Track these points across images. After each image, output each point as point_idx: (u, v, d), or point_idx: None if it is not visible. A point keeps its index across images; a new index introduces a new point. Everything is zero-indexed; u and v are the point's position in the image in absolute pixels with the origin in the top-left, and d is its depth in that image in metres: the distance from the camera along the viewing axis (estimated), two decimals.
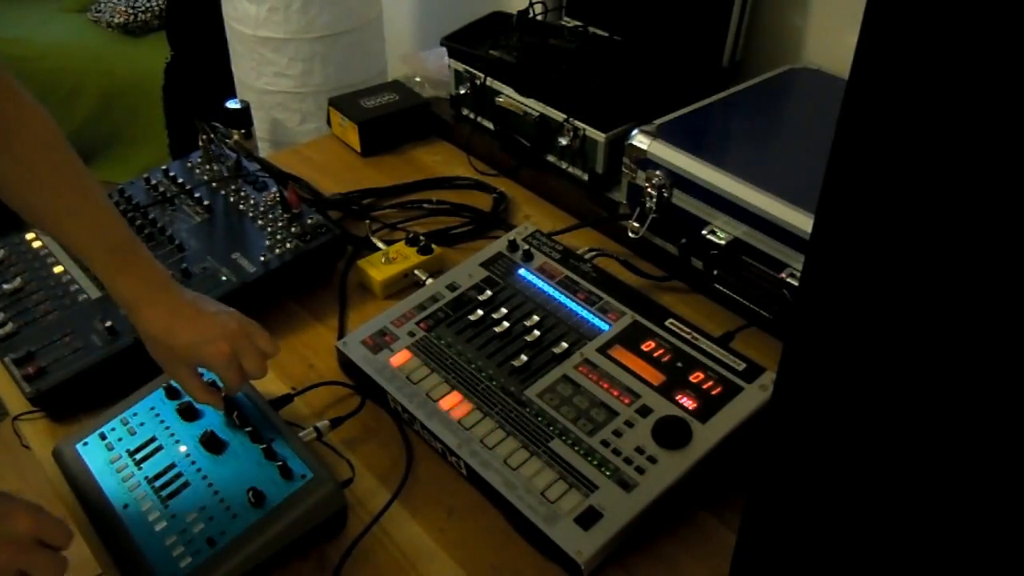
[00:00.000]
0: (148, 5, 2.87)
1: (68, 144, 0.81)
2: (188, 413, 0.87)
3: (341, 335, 1.06)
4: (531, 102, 1.32)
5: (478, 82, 1.39)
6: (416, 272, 1.10)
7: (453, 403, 0.89)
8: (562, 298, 1.00)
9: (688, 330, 0.94)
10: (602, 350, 0.93)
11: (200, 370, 0.85)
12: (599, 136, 1.23)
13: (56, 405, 0.95)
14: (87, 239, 0.81)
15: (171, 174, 1.22)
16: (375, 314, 1.02)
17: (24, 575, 0.64)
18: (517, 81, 1.34)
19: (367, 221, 1.25)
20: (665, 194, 1.10)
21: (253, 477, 0.80)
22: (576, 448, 0.84)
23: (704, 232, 1.06)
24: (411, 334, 0.98)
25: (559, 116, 1.28)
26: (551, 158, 1.33)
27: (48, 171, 0.80)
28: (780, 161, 1.10)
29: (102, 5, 2.93)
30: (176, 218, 1.15)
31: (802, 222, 0.95)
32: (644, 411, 0.86)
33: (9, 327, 1.00)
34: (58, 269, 1.07)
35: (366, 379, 0.95)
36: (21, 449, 0.99)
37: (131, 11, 2.86)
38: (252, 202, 1.16)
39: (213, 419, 0.87)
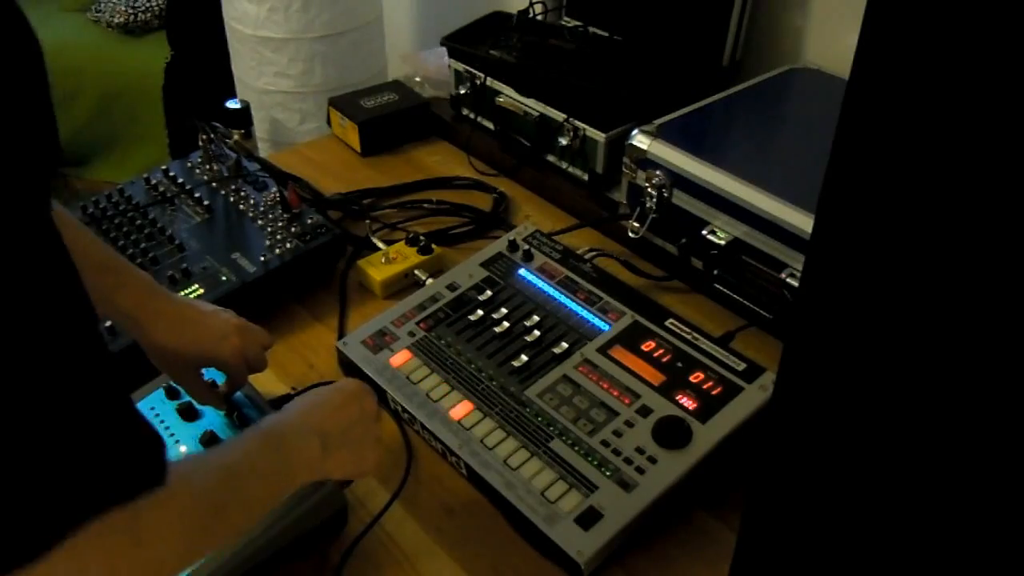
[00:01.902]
0: (148, 5, 2.87)
1: None
2: (188, 413, 0.87)
3: (341, 335, 1.05)
4: (531, 102, 1.32)
5: (478, 82, 1.39)
6: (416, 272, 1.10)
7: (455, 404, 0.89)
8: (562, 298, 1.00)
9: (688, 330, 0.94)
10: (602, 350, 0.93)
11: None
12: (599, 136, 1.23)
13: None
14: (76, 262, 0.78)
15: (171, 174, 1.22)
16: (375, 314, 1.02)
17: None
18: (517, 81, 1.34)
19: (367, 221, 1.25)
20: (665, 194, 1.10)
21: None
22: (576, 448, 0.84)
23: (704, 232, 1.06)
24: (411, 334, 0.98)
25: (559, 116, 1.28)
26: (551, 158, 1.33)
27: None
28: (780, 161, 1.10)
29: (102, 5, 2.92)
30: (176, 218, 1.14)
31: (802, 222, 0.95)
32: (644, 411, 0.86)
33: None
34: None
35: (366, 379, 0.95)
36: None
37: (131, 11, 2.86)
38: (252, 202, 1.16)
39: (213, 419, 0.87)
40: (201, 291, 1.02)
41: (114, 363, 0.48)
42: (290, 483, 0.69)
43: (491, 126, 1.41)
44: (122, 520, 0.48)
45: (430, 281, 1.06)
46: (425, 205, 1.29)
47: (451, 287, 1.04)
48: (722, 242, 1.05)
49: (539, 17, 1.45)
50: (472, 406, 0.89)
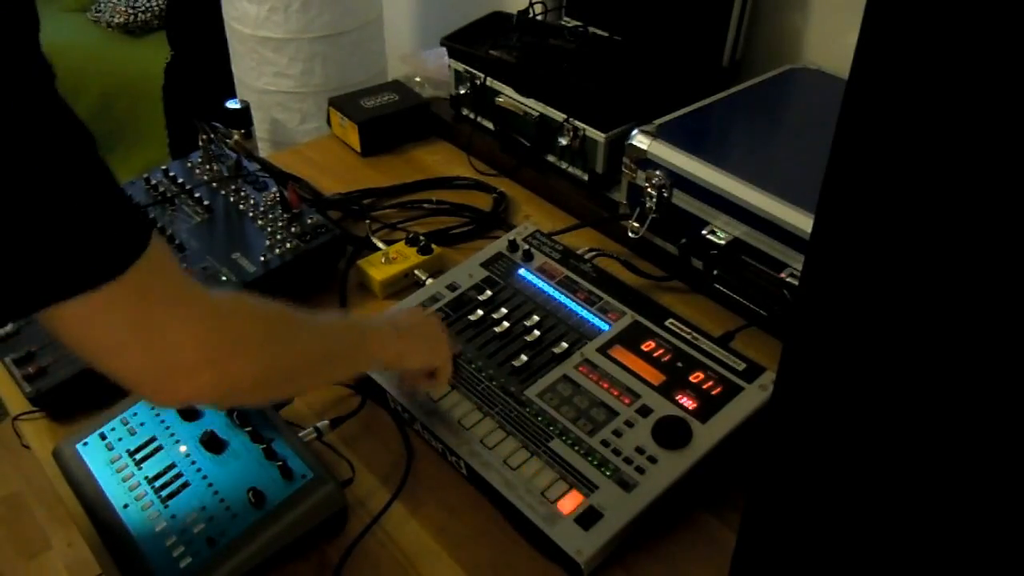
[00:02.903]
0: (148, 5, 2.87)
1: None
2: (188, 413, 0.87)
3: None
4: (531, 102, 1.32)
5: (478, 82, 1.39)
6: (416, 272, 1.10)
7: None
8: (562, 298, 1.00)
9: (688, 330, 0.94)
10: (602, 350, 0.93)
11: None
12: (599, 136, 1.23)
13: (56, 405, 0.95)
14: None
15: (171, 174, 1.22)
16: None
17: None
18: (517, 81, 1.34)
19: (367, 221, 1.25)
20: (665, 194, 1.10)
21: (253, 477, 0.80)
22: (576, 448, 0.84)
23: (704, 232, 1.06)
24: None
25: (559, 116, 1.28)
26: (551, 158, 1.33)
27: None
28: (780, 161, 1.10)
29: (102, 5, 2.92)
30: (176, 218, 1.15)
31: (802, 222, 0.95)
32: (644, 411, 0.86)
33: (9, 327, 1.00)
34: None
35: (366, 379, 0.95)
36: (21, 449, 0.99)
37: (131, 11, 2.86)
38: (252, 202, 1.16)
39: (213, 419, 0.87)
40: None
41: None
42: (364, 349, 0.80)
43: (491, 126, 1.41)
44: (190, 287, 0.61)
45: (430, 281, 1.06)
46: (425, 205, 1.29)
47: (451, 287, 1.04)
48: (722, 242, 1.05)
49: (539, 17, 1.45)
50: (472, 406, 0.89)
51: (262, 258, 1.06)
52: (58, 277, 0.54)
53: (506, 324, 0.97)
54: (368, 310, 1.09)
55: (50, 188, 0.52)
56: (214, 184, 1.20)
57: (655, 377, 0.90)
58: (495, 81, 1.37)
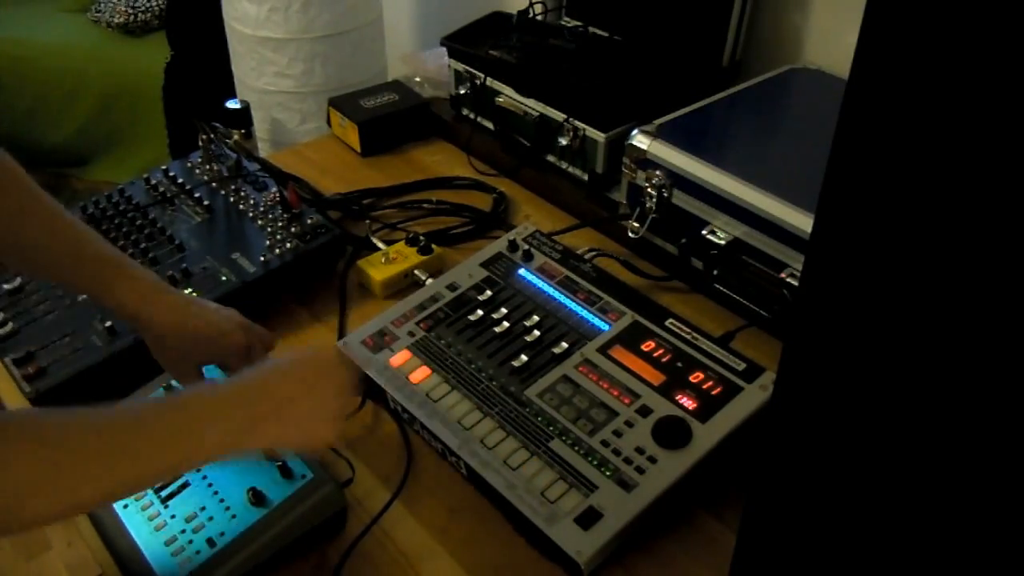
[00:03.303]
0: (148, 5, 2.87)
1: (22, 169, 0.77)
2: None
3: (341, 335, 1.05)
4: (531, 102, 1.32)
5: (478, 82, 1.39)
6: (416, 272, 1.10)
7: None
8: (562, 298, 1.00)
9: (688, 330, 0.94)
10: (602, 350, 0.93)
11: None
12: (599, 136, 1.23)
13: (56, 405, 0.94)
14: (72, 259, 0.78)
15: (171, 174, 1.22)
16: (375, 314, 1.02)
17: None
18: (517, 81, 1.34)
19: (367, 221, 1.25)
20: (665, 194, 1.10)
21: (253, 477, 0.80)
22: (576, 448, 0.84)
23: (704, 232, 1.06)
24: (411, 334, 0.98)
25: (559, 116, 1.28)
26: (551, 158, 1.33)
27: (14, 197, 0.76)
28: (780, 161, 1.10)
29: (102, 5, 2.92)
30: (176, 218, 1.14)
31: (802, 222, 0.95)
32: (644, 411, 0.86)
33: (9, 327, 1.00)
34: None
35: (366, 379, 0.95)
36: None
37: (131, 11, 2.86)
38: (252, 202, 1.16)
39: None
40: (201, 292, 1.02)
41: None
42: (198, 447, 0.65)
43: (491, 126, 1.41)
44: None
45: (430, 281, 1.06)
46: (425, 205, 1.29)
47: (451, 287, 1.03)
48: (722, 242, 1.05)
49: (539, 17, 1.45)
50: (472, 406, 0.89)
51: (262, 258, 1.06)
52: None
53: (506, 324, 0.97)
54: (368, 310, 1.09)
55: None
56: (214, 184, 1.20)
57: (655, 377, 0.90)
58: (495, 81, 1.37)
